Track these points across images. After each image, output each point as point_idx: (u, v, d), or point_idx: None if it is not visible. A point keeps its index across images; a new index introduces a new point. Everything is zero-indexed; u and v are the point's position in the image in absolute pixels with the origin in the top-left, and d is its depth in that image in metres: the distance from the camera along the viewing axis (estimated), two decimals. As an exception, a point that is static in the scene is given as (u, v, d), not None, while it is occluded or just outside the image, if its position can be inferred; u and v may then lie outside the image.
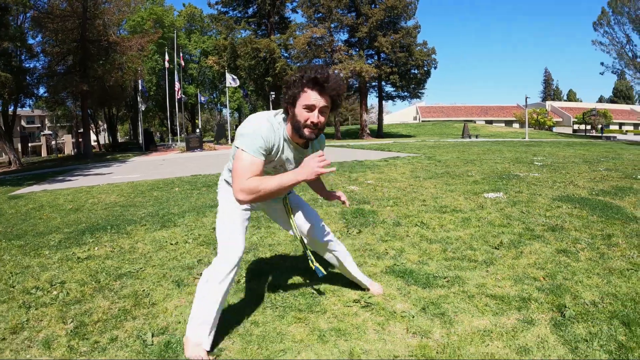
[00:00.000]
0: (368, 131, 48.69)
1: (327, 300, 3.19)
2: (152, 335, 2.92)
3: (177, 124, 49.74)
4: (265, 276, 3.78)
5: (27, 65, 39.31)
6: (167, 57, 43.25)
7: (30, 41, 38.38)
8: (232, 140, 30.51)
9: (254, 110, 76.14)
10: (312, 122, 2.48)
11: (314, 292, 3.34)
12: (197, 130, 42.98)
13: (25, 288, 4.02)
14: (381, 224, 5.20)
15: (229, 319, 3.00)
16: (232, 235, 2.77)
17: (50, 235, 6.07)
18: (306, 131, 2.50)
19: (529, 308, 2.87)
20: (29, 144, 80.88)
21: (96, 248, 5.14)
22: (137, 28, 51.13)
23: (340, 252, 3.16)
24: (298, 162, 2.70)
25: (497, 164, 10.87)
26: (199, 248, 4.80)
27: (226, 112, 65.02)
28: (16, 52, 35.21)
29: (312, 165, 2.38)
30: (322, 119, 2.51)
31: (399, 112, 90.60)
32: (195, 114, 64.49)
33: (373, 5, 45.82)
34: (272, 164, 2.68)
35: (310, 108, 2.47)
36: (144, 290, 3.71)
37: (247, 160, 2.47)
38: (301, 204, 3.13)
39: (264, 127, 2.53)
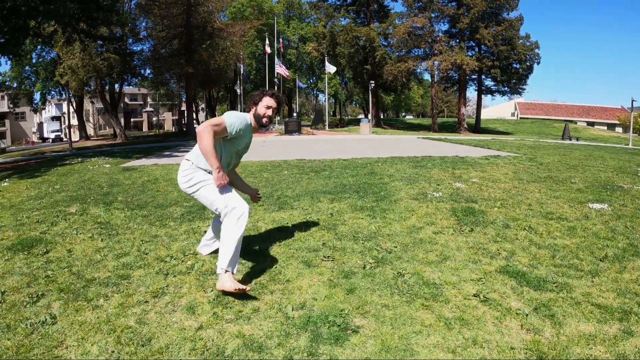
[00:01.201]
0: (465, 125, 47.71)
1: (448, 292, 3.53)
2: (292, 309, 3.27)
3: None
4: (389, 264, 4.12)
5: (135, 48, 41.46)
6: (267, 43, 44.32)
7: (141, 25, 40.60)
8: (329, 126, 31.04)
9: (350, 97, 76.53)
10: (268, 116, 3.90)
11: (436, 283, 3.69)
12: (294, 115, 43.89)
13: (159, 256, 4.46)
14: (491, 224, 5.44)
15: (362, 301, 3.37)
16: (236, 196, 3.74)
17: (171, 207, 6.58)
18: (264, 120, 3.89)
19: (629, 320, 3.10)
20: (132, 119, 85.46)
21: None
22: (237, 14, 52.61)
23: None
24: (250, 142, 4.05)
25: (600, 172, 10.66)
26: (321, 232, 5.15)
27: (323, 98, 66.06)
28: (124, 35, 37.14)
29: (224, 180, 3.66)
30: (273, 115, 3.95)
31: (496, 107, 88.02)
32: (292, 98, 65.65)
33: (475, -5, 44.78)
34: (241, 140, 3.89)
35: (269, 107, 3.88)
36: (275, 267, 4.08)
37: (219, 121, 3.64)
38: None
39: (246, 118, 3.87)
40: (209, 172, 3.75)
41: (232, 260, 3.55)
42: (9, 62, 26.16)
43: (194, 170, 3.82)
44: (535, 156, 14.47)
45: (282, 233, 5.17)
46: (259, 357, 2.72)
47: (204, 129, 3.54)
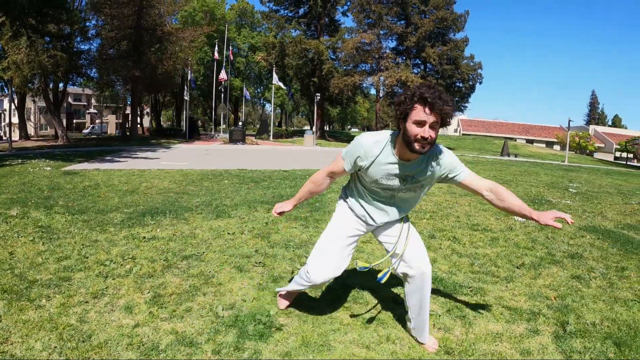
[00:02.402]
0: (408, 141, 48.60)
1: (368, 295, 3.72)
2: (223, 309, 3.43)
3: (221, 115, 50.57)
4: None
5: (83, 47, 40.44)
6: (216, 49, 44.13)
7: (86, 24, 39.63)
8: (274, 136, 31.10)
9: (296, 108, 76.78)
10: (421, 137, 2.48)
11: (357, 288, 3.86)
12: (240, 124, 43.76)
13: (99, 260, 4.53)
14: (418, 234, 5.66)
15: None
16: (324, 254, 3.00)
17: (112, 213, 6.63)
18: (416, 145, 2.51)
19: (537, 321, 3.34)
20: (74, 121, 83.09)
21: (158, 230, 5.68)
22: (189, 18, 52.13)
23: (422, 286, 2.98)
24: (401, 177, 2.77)
25: (532, 187, 11.15)
26: (254, 240, 5.31)
27: (270, 108, 66.10)
28: (72, 33, 36.25)
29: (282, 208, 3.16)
30: (432, 133, 2.50)
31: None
32: (238, 107, 65.44)
33: (423, 16, 45.72)
34: (372, 175, 2.79)
35: (421, 124, 2.48)
36: (209, 271, 4.22)
37: (338, 162, 2.90)
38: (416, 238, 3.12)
39: (369, 141, 2.76)
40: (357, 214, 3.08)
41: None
42: None
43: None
44: (472, 171, 14.92)
45: (218, 240, 5.32)
46: (190, 351, 2.88)
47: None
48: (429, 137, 2.48)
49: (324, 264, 2.96)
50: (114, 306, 3.52)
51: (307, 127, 75.74)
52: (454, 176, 2.84)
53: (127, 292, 3.78)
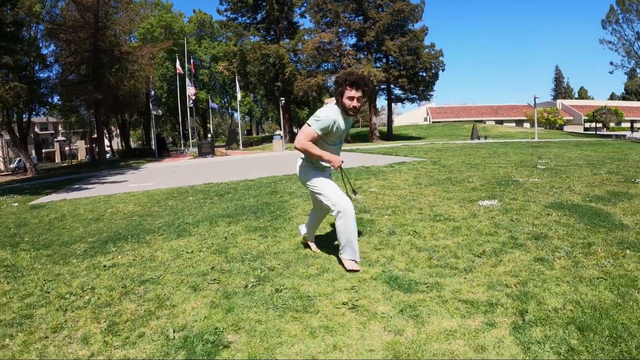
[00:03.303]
0: (377, 134, 48.85)
1: (320, 302, 3.62)
2: (174, 332, 3.41)
3: (189, 128, 50.27)
4: (269, 281, 4.21)
5: (41, 75, 39.83)
6: (178, 64, 43.79)
7: (44, 51, 39.02)
8: (244, 145, 31.01)
9: (264, 114, 76.62)
10: (353, 106, 4.18)
11: (310, 295, 3.76)
12: (209, 136, 43.54)
13: (60, 293, 4.48)
14: (377, 233, 5.59)
15: (238, 318, 3.48)
16: (339, 193, 4.36)
17: (76, 244, 6.53)
18: (350, 112, 4.21)
19: (494, 312, 3.24)
20: (43, 150, 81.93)
21: (119, 256, 5.60)
22: (147, 35, 51.73)
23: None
24: (347, 128, 4.40)
25: (500, 169, 11.13)
26: (212, 256, 5.23)
27: (237, 117, 65.84)
28: (30, 62, 35.69)
29: (337, 160, 4.24)
30: (358, 104, 4.20)
31: (409, 114, 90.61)
32: (207, 119, 65.09)
33: (380, 9, 46.12)
34: (337, 133, 4.29)
35: (351, 99, 4.16)
36: (165, 294, 4.18)
37: (310, 131, 4.19)
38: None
39: (334, 111, 4.24)
40: (319, 169, 4.55)
41: (346, 249, 4.34)
42: None
43: (306, 168, 4.58)
44: (440, 159, 14.98)
45: (177, 260, 5.27)
46: None
47: (298, 143, 4.29)
48: (357, 106, 4.22)
49: (344, 196, 4.36)
50: (72, 339, 3.54)
51: (277, 132, 75.69)
52: None
53: (84, 323, 3.78)
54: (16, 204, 12.54)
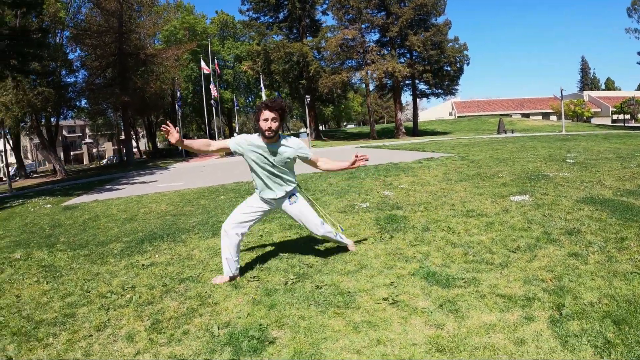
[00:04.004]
0: (403, 130, 48.68)
1: (360, 298, 3.70)
2: (218, 328, 3.49)
3: (215, 128, 50.67)
4: (308, 278, 4.31)
5: (68, 79, 40.63)
6: (202, 64, 44.21)
7: (70, 56, 39.80)
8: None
9: (290, 112, 76.77)
10: (269, 127, 4.23)
11: (350, 291, 3.85)
12: (235, 135, 43.87)
13: (100, 292, 4.60)
14: (411, 229, 5.66)
15: (280, 315, 3.57)
16: (234, 217, 4.64)
17: (112, 244, 6.69)
18: (266, 133, 4.24)
19: (532, 306, 3.29)
20: (71, 153, 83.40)
21: (157, 255, 5.73)
22: (171, 37, 52.26)
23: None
24: (272, 153, 4.38)
25: (529, 163, 11.09)
26: (249, 254, 5.37)
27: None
28: (57, 68, 36.38)
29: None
30: (273, 125, 4.25)
31: (435, 108, 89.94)
32: (232, 118, 65.53)
33: (402, 4, 45.77)
34: (254, 154, 4.39)
35: (265, 120, 4.23)
36: (205, 292, 4.28)
37: (226, 140, 4.52)
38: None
39: (250, 136, 4.44)
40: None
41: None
42: None
43: None
44: (468, 154, 14.93)
45: (215, 259, 5.36)
46: None
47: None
48: (272, 127, 4.25)
49: (231, 221, 4.67)
50: (117, 337, 3.59)
51: (303, 130, 75.80)
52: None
53: (128, 321, 3.84)
54: (49, 206, 12.90)
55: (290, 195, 4.62)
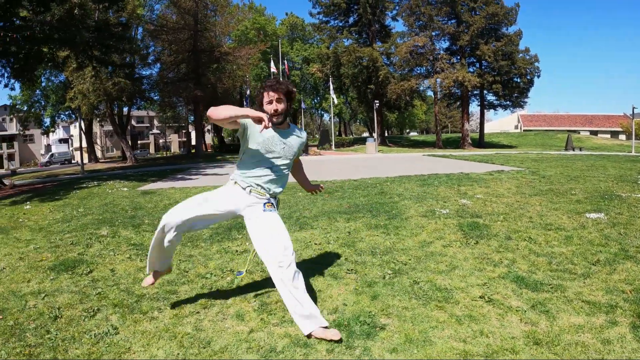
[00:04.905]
0: (469, 140, 48.28)
1: (458, 295, 4.06)
2: (328, 313, 3.72)
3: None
4: (405, 274, 4.65)
5: (143, 72, 42.43)
6: (272, 65, 45.27)
7: (144, 51, 41.62)
8: (336, 145, 31.57)
9: (354, 116, 77.20)
10: (275, 110, 3.56)
11: (447, 288, 4.22)
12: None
13: (199, 273, 4.90)
14: (494, 237, 5.97)
15: (384, 305, 3.89)
16: (180, 209, 3.68)
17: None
18: (273, 119, 3.55)
19: (614, 313, 3.61)
20: (138, 142, 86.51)
21: (248, 244, 5.99)
22: (242, 37, 53.62)
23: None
24: (282, 142, 3.67)
25: (600, 182, 11.11)
26: (342, 249, 5.67)
27: (327, 117, 66.74)
28: (134, 61, 38.02)
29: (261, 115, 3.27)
30: (279, 106, 3.58)
31: (500, 120, 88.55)
32: (297, 118, 66.49)
33: (473, 13, 45.50)
34: (261, 137, 3.58)
35: (269, 102, 3.57)
36: (306, 280, 4.36)
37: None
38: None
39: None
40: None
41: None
42: (19, 86, 27.16)
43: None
44: (538, 169, 14.94)
45: (307, 250, 5.71)
46: (306, 351, 3.17)
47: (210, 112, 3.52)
48: (278, 109, 3.58)
49: (173, 214, 3.70)
50: (225, 315, 3.80)
51: (366, 134, 76.05)
52: None
53: (234, 301, 4.07)
54: (126, 189, 13.66)
55: (267, 201, 3.74)
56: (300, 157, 4.27)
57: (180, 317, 3.77)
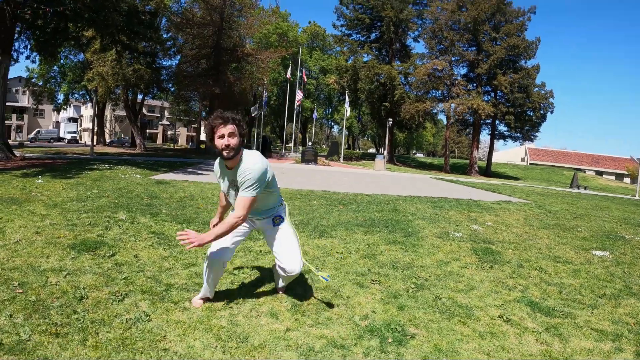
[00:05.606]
0: (477, 168, 48.55)
1: (478, 313, 4.37)
2: (359, 319, 3.92)
3: (293, 133, 52.05)
4: (427, 289, 4.93)
5: (164, 62, 42.73)
6: (289, 70, 45.68)
7: (168, 43, 42.02)
8: (344, 158, 31.71)
9: (363, 131, 77.56)
10: (226, 145, 3.48)
11: (468, 306, 4.54)
12: (310, 144, 45.07)
13: (226, 269, 4.74)
14: (507, 263, 6.32)
15: (411, 316, 4.15)
16: (220, 242, 3.81)
17: None
18: (224, 153, 3.51)
19: (620, 340, 3.95)
20: (147, 130, 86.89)
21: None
22: (263, 40, 54.08)
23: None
24: (231, 182, 3.74)
25: (605, 222, 11.47)
26: (363, 260, 5.91)
27: (337, 129, 67.07)
28: (155, 50, 38.37)
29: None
30: (231, 141, 3.50)
31: (507, 151, 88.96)
32: (307, 127, 66.95)
33: (495, 43, 45.83)
34: (223, 185, 3.84)
35: (221, 137, 3.50)
36: (334, 286, 4.74)
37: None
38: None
39: (216, 163, 3.92)
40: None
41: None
42: (37, 60, 27.33)
43: None
44: (544, 204, 15.29)
45: (330, 258, 5.89)
46: (343, 353, 3.34)
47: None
48: (229, 144, 3.49)
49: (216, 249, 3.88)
50: (259, 312, 3.90)
51: (372, 150, 76.39)
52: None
53: (266, 300, 4.19)
54: (138, 176, 13.91)
55: (274, 217, 4.01)
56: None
57: (213, 311, 3.85)
